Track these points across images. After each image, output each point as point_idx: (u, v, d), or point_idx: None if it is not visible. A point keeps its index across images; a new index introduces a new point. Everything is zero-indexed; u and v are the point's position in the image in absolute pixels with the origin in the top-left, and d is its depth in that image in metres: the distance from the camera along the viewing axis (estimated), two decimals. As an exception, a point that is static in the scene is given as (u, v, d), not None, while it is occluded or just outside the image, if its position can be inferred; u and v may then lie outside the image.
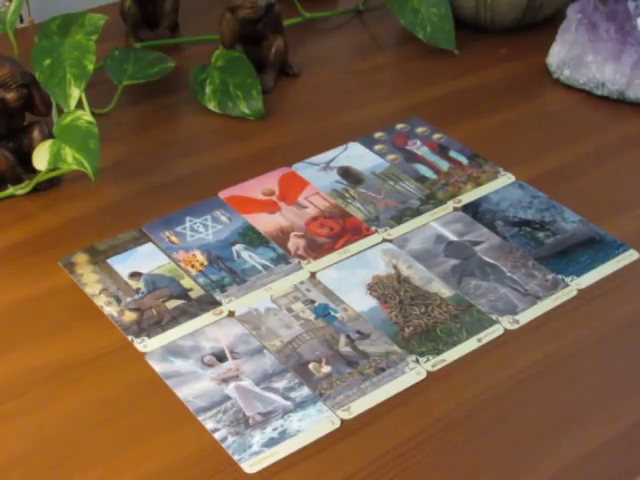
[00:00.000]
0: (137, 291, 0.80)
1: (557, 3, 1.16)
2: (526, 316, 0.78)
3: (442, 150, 0.98)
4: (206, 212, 0.89)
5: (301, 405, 0.71)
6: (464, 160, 0.96)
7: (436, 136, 1.00)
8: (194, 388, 0.72)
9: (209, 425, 0.69)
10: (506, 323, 0.78)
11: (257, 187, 0.92)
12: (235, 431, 0.69)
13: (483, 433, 0.69)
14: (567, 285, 0.81)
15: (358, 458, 0.67)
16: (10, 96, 0.87)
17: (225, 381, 0.72)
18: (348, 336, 0.76)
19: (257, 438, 0.68)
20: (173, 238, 0.86)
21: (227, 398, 0.71)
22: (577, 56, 1.06)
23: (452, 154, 0.97)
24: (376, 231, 0.87)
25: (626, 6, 1.04)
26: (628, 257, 0.84)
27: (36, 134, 0.89)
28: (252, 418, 0.70)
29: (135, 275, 0.82)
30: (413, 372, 0.73)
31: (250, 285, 0.81)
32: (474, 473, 0.67)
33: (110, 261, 0.83)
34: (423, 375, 0.73)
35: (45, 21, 1.01)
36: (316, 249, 0.85)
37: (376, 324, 0.77)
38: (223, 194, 0.91)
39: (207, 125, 1.02)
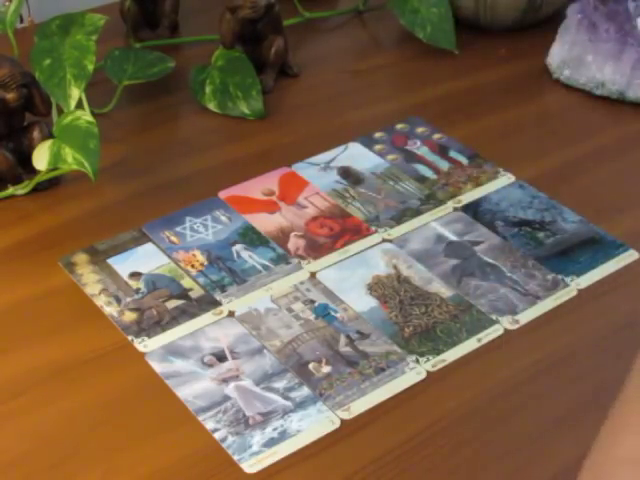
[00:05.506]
0: (137, 291, 0.80)
1: (557, 3, 1.16)
2: (526, 316, 0.78)
3: (442, 150, 0.97)
4: (206, 212, 0.89)
5: (301, 405, 0.71)
6: (464, 160, 0.96)
7: (436, 136, 1.00)
8: (194, 388, 0.72)
9: (209, 425, 0.69)
10: (506, 323, 0.78)
11: (257, 187, 0.92)
12: (235, 431, 0.69)
13: (483, 433, 0.69)
14: (567, 285, 0.81)
15: (358, 458, 0.67)
16: (10, 96, 0.87)
17: (225, 381, 0.72)
18: (348, 336, 0.76)
19: (257, 438, 0.68)
20: (173, 238, 0.86)
21: (227, 398, 0.71)
22: (577, 56, 1.06)
23: (452, 154, 0.97)
24: (376, 231, 0.87)
25: (626, 6, 1.04)
26: (628, 257, 0.84)
27: (36, 134, 0.89)
28: (252, 418, 0.70)
29: (135, 275, 0.82)
30: (413, 372, 0.73)
31: (250, 285, 0.81)
32: (474, 473, 0.67)
33: (110, 261, 0.83)
34: (423, 375, 0.73)
35: (45, 21, 1.01)
36: (316, 249, 0.85)
37: (376, 324, 0.77)
38: (223, 194, 0.91)
39: (207, 125, 1.02)
